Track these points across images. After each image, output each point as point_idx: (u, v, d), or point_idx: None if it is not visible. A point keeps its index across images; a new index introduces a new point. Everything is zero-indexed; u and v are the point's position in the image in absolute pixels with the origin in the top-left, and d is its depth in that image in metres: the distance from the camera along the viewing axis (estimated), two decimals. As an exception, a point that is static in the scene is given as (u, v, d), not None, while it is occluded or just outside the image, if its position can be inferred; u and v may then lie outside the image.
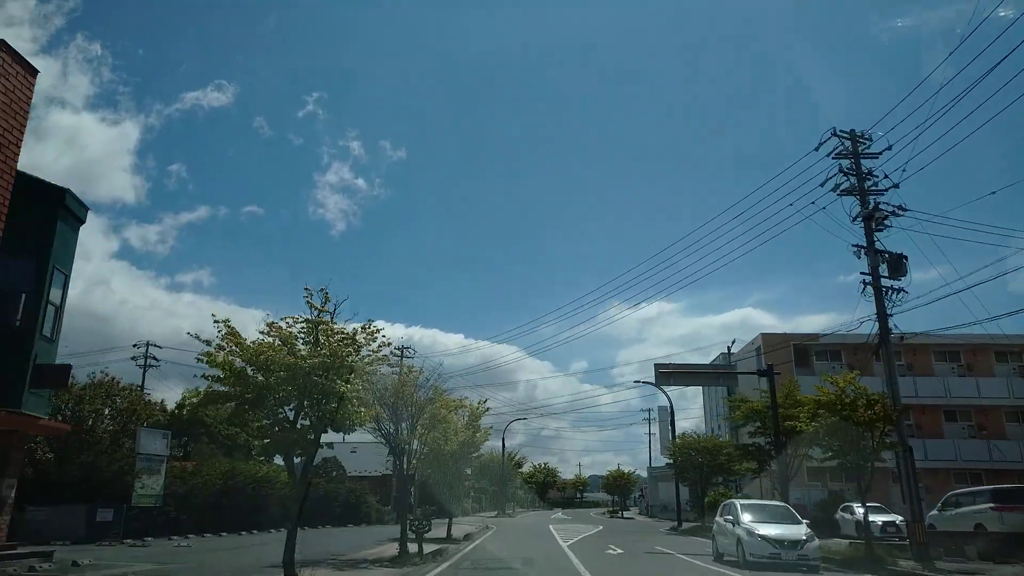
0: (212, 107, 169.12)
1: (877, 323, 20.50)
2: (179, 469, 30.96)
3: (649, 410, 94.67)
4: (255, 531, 31.63)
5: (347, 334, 13.29)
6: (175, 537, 26.13)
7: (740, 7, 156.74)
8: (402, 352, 48.80)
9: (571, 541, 26.87)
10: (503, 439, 60.41)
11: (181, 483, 29.72)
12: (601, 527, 40.16)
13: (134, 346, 56.49)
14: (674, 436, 41.00)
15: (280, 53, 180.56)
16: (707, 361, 61.28)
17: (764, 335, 37.16)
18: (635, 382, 40.91)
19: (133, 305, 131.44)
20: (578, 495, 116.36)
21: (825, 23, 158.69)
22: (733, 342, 44.77)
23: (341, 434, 18.79)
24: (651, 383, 43.78)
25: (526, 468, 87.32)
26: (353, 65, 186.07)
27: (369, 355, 13.86)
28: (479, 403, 30.93)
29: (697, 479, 37.46)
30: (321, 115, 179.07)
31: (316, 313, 13.32)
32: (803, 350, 38.97)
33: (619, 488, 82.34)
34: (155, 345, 56.61)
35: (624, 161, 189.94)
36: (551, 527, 38.72)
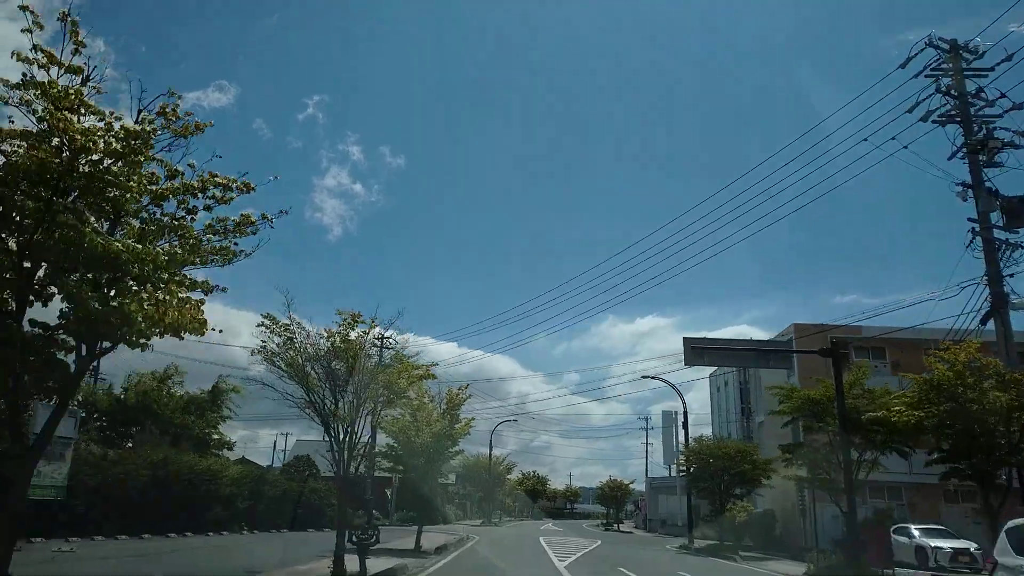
0: (212, 107, 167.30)
1: (987, 286, 15.34)
2: (95, 456, 25.64)
3: (647, 419, 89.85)
4: (189, 533, 26.33)
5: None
6: (73, 539, 20.77)
7: (745, 23, 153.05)
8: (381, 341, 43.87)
9: (569, 560, 21.64)
10: (490, 442, 55.36)
11: (95, 473, 24.42)
12: (599, 541, 34.91)
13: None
14: (687, 440, 35.76)
15: (282, 54, 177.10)
16: (704, 373, 56.23)
17: (797, 325, 31.93)
18: (644, 376, 36.58)
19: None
20: (568, 506, 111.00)
21: (830, 38, 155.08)
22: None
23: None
24: (661, 379, 38.64)
25: (515, 475, 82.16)
26: (354, 69, 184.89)
27: None
28: (460, 388, 25.79)
29: (715, 490, 32.17)
30: (321, 119, 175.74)
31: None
32: (840, 345, 33.77)
33: (614, 499, 77.10)
34: (112, 324, 51.17)
35: (625, 169, 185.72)
36: (542, 540, 33.43)
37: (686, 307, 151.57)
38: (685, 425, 36.36)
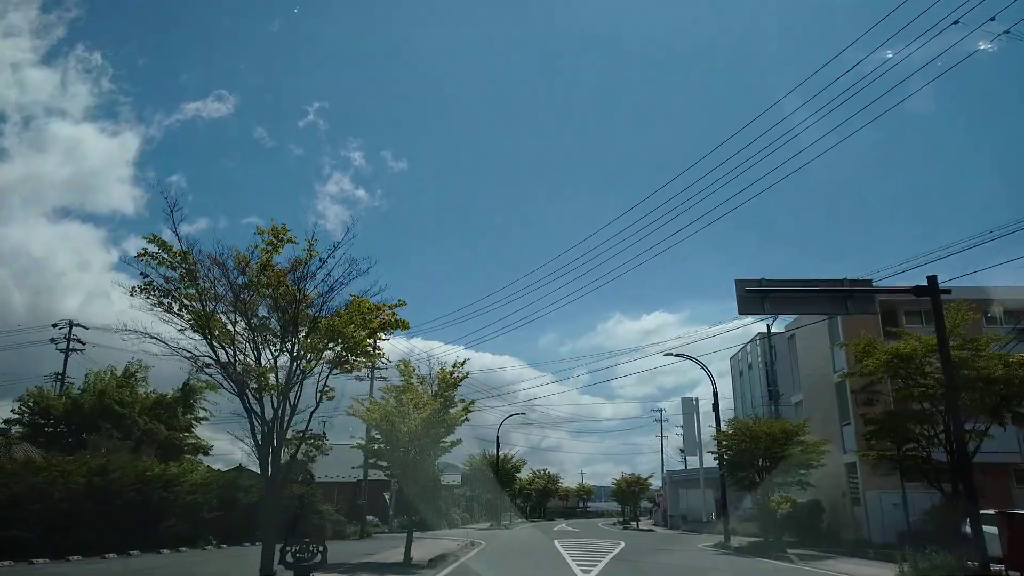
0: (212, 117, 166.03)
1: None
2: (13, 464, 21.34)
3: (660, 410, 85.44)
4: (135, 552, 21.98)
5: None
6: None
7: (721, 34, 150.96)
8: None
9: (596, 571, 17.23)
10: (497, 439, 50.90)
11: (11, 482, 20.12)
12: (622, 542, 30.50)
13: (54, 326, 46.71)
14: (719, 423, 31.34)
15: (282, 62, 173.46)
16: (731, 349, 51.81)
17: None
18: (667, 354, 31.98)
19: (131, 317, 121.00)
20: (580, 504, 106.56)
21: (807, 53, 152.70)
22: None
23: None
24: (687, 356, 34.29)
25: (524, 474, 77.81)
26: (355, 75, 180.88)
27: None
28: (455, 365, 21.45)
29: (753, 479, 27.70)
30: (322, 125, 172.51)
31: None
32: (889, 310, 29.39)
33: (631, 496, 72.69)
34: (80, 325, 46.79)
35: (623, 171, 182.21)
36: (557, 543, 29.05)
37: (693, 302, 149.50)
38: (716, 407, 32.03)
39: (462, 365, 21.19)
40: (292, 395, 9.75)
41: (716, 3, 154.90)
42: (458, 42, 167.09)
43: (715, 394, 31.70)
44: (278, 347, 9.44)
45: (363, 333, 10.52)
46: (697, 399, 48.92)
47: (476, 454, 53.77)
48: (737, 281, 14.44)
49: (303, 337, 9.48)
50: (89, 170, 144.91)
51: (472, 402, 22.37)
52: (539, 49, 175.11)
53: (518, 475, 53.95)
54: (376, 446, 21.13)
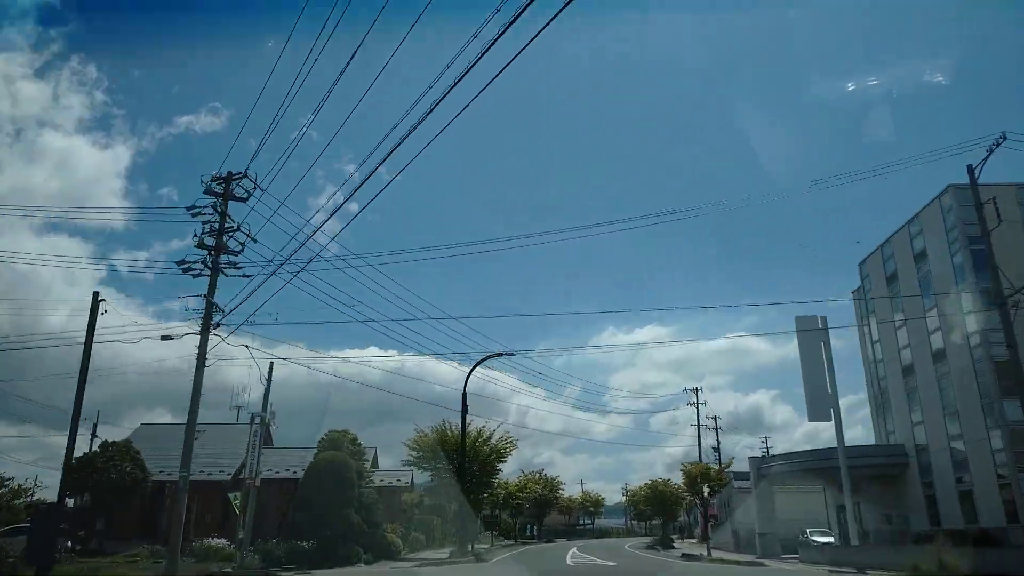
0: (205, 131, 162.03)
1: None
2: None
3: (697, 388, 63.41)
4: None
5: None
6: None
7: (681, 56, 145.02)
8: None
9: None
10: (463, 393, 28.76)
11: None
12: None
13: None
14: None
15: (275, 75, 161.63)
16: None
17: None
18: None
19: (118, 332, 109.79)
20: (582, 521, 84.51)
21: (767, 78, 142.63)
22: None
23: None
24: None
25: (510, 467, 55.61)
26: (349, 87, 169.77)
27: None
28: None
29: None
30: (315, 137, 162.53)
31: None
32: None
33: (665, 505, 50.57)
34: None
35: (630, 177, 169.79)
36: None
37: (684, 316, 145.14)
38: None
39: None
40: None
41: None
42: (449, 52, 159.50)
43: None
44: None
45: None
46: (825, 317, 26.99)
47: (426, 429, 31.70)
48: None
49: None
50: (80, 182, 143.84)
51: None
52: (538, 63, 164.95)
53: (501, 465, 32.17)
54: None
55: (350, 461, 25.71)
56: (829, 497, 35.15)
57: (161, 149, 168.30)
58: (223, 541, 24.53)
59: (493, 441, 32.26)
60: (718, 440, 60.41)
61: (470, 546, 34.08)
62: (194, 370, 22.25)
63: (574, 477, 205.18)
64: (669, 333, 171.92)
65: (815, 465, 29.90)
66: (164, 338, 23.09)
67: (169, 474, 33.65)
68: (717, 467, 31.98)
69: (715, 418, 61.55)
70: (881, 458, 29.23)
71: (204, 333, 22.84)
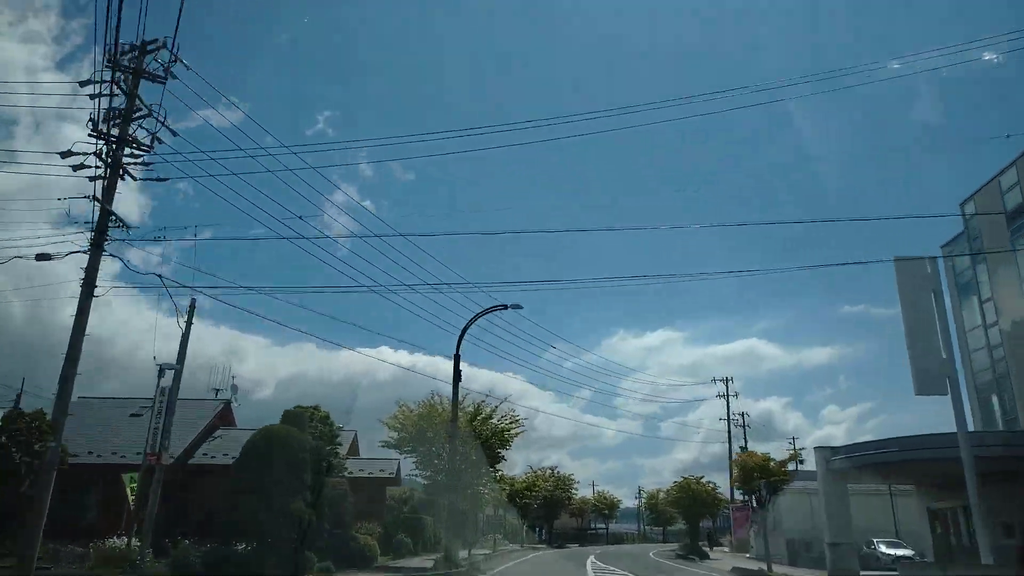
0: (222, 126, 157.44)
1: None
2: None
3: (727, 379, 56.66)
4: None
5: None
6: None
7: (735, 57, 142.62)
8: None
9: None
10: (455, 357, 22.01)
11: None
12: None
13: None
14: None
15: (292, 71, 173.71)
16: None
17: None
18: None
19: (133, 328, 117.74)
20: (592, 525, 77.50)
21: (814, 70, 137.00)
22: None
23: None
24: None
25: (514, 456, 49.29)
26: (364, 84, 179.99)
27: None
28: None
29: None
30: (331, 135, 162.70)
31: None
32: None
33: (697, 507, 43.81)
34: None
35: (635, 182, 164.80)
36: None
37: (696, 320, 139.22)
38: None
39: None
40: None
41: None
42: (469, 53, 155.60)
43: None
44: None
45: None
46: (936, 259, 20.22)
47: (412, 404, 25.03)
48: None
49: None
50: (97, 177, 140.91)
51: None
52: (548, 58, 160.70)
53: (505, 452, 25.34)
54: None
55: (305, 438, 19.19)
56: (916, 500, 28.40)
57: (177, 143, 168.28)
58: (133, 540, 18.04)
59: (495, 420, 25.62)
60: (745, 439, 53.73)
61: (466, 551, 27.50)
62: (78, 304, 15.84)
63: (584, 481, 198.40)
64: (681, 338, 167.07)
65: (911, 456, 23.15)
66: (40, 257, 16.70)
67: (98, 456, 27.42)
68: (775, 460, 25.31)
69: (743, 415, 55.15)
70: (1000, 448, 22.45)
71: (95, 250, 16.45)
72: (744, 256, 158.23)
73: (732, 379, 56.30)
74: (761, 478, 24.34)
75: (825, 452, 26.34)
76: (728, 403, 55.33)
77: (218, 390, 34.42)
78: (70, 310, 16.24)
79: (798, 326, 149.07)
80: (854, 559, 25.07)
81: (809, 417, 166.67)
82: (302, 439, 19.06)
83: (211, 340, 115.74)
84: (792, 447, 52.79)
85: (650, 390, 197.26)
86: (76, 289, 16.07)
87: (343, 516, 22.60)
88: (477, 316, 23.41)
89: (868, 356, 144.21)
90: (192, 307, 18.05)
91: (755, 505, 25.95)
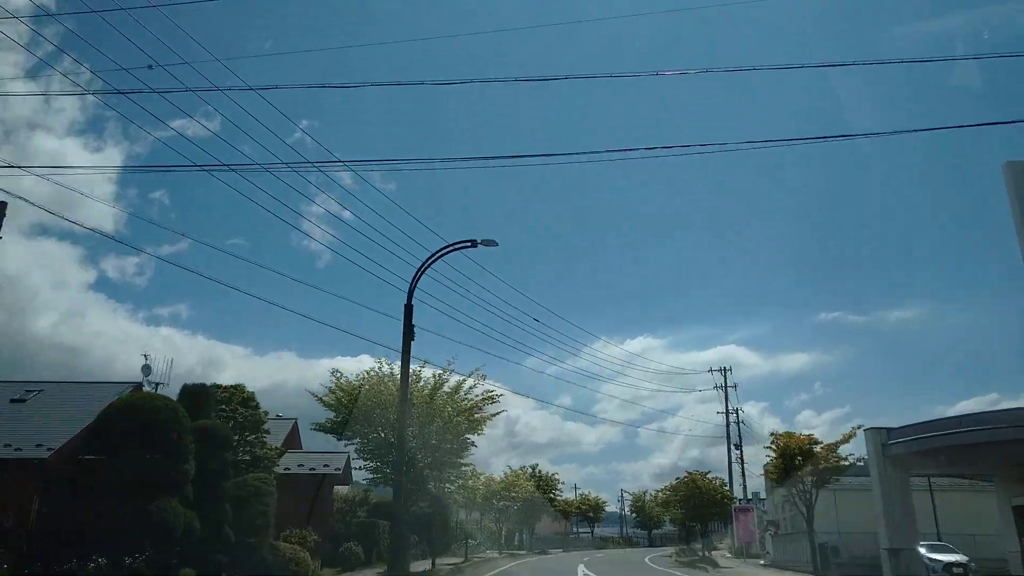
0: (198, 136, 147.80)
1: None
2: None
3: (725, 369, 52.00)
4: None
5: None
6: None
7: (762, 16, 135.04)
8: None
9: None
10: (406, 307, 16.32)
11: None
12: None
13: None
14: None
15: (271, 79, 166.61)
16: None
17: None
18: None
19: (108, 337, 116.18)
20: (575, 530, 72.02)
21: (847, 30, 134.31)
22: None
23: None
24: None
25: (492, 453, 43.96)
26: (344, 94, 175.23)
27: None
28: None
29: None
30: (310, 144, 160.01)
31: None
32: None
33: (703, 505, 38.50)
34: None
35: (630, 188, 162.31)
36: None
37: (676, 327, 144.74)
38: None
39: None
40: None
41: None
42: (451, 60, 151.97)
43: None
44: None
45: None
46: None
47: (349, 377, 19.29)
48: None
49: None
50: (71, 185, 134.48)
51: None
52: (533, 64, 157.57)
53: (475, 437, 19.54)
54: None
55: (179, 409, 13.44)
56: (998, 493, 23.13)
57: (154, 152, 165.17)
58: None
59: (461, 395, 19.90)
60: (740, 437, 48.60)
61: (429, 562, 21.80)
62: None
63: (566, 486, 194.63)
64: (661, 344, 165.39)
65: (995, 436, 17.86)
66: None
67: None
68: (821, 444, 19.91)
69: (737, 411, 50.28)
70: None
71: None
72: (744, 256, 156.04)
73: (731, 368, 51.56)
74: (805, 463, 18.89)
75: (879, 435, 20.93)
76: (727, 395, 50.46)
77: (159, 384, 28.63)
78: None
79: (776, 333, 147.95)
80: (920, 568, 19.73)
81: (786, 422, 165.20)
82: (174, 409, 13.29)
83: (187, 350, 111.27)
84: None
85: (631, 395, 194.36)
86: None
87: (255, 519, 16.83)
88: (437, 253, 17.77)
89: (843, 362, 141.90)
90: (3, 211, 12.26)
91: (795, 498, 20.45)
